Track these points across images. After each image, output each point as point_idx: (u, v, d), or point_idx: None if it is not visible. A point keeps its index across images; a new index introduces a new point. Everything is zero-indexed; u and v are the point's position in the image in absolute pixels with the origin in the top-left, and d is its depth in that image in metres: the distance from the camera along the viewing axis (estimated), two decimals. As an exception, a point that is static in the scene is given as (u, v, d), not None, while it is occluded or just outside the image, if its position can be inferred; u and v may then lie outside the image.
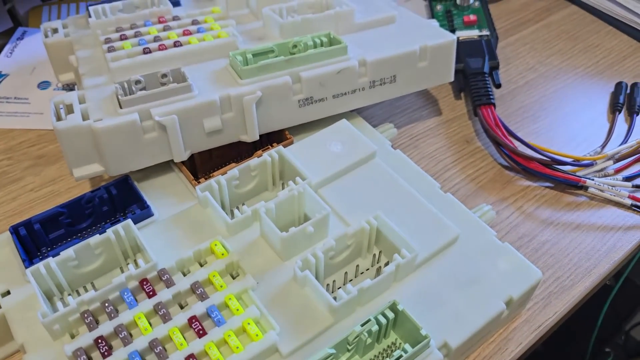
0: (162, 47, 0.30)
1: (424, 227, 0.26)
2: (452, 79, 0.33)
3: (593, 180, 0.32)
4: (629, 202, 0.32)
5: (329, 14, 0.32)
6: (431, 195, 0.28)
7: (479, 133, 0.35)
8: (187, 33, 0.32)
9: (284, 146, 0.29)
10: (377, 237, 0.26)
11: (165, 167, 0.29)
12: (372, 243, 0.26)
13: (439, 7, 0.42)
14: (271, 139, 0.31)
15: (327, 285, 0.25)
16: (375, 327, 0.22)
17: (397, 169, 0.29)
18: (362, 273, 0.26)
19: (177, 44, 0.30)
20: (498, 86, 0.37)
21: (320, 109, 0.30)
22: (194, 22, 0.33)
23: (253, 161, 0.28)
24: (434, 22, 0.36)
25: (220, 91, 0.28)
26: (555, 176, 0.32)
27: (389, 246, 0.26)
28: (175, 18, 0.33)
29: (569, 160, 0.33)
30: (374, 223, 0.25)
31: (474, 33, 0.39)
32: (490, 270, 0.26)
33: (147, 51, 0.30)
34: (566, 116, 0.37)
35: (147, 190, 0.29)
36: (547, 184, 0.33)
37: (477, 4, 0.42)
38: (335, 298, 0.23)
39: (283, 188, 0.28)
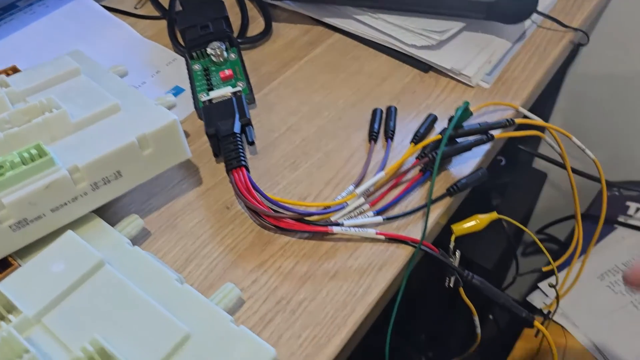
0: None
1: (151, 334, 0.26)
2: (188, 155, 0.33)
3: (341, 225, 0.32)
4: (381, 237, 0.33)
5: (37, 123, 0.30)
6: (166, 293, 0.28)
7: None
8: None
9: (5, 276, 0.28)
10: (105, 358, 0.25)
11: None
12: (101, 367, 0.25)
13: (197, 67, 0.42)
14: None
15: None
16: None
17: (133, 270, 0.29)
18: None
19: None
20: (251, 143, 0.37)
21: (41, 227, 0.29)
22: None
23: (-36, 306, 0.26)
24: (170, 97, 0.36)
25: None
26: (305, 230, 0.32)
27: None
28: None
29: (318, 209, 0.33)
30: (90, 349, 0.24)
31: (227, 91, 0.39)
32: (224, 362, 0.25)
33: None
34: (326, 156, 0.38)
35: None
36: (306, 235, 0.33)
37: (233, 55, 0.42)
38: None
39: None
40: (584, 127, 0.70)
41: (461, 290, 0.37)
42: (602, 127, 0.69)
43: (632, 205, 0.68)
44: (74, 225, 0.30)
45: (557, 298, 0.44)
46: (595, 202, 0.72)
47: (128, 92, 0.35)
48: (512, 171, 0.71)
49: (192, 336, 0.26)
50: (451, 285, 0.36)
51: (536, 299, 0.60)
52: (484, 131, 0.36)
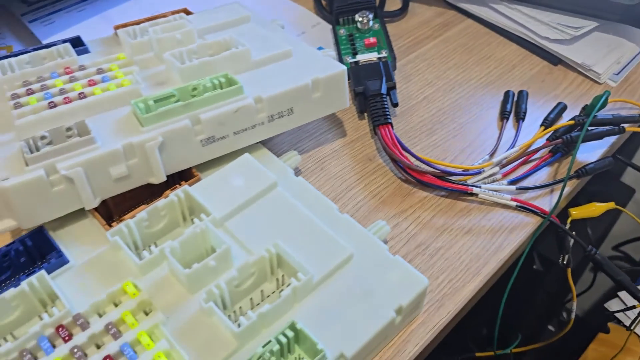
0: (66, 100, 0.32)
1: (320, 249, 0.29)
2: (347, 104, 0.36)
3: (480, 187, 0.35)
4: (513, 204, 0.35)
5: (225, 56, 0.34)
6: (329, 218, 0.31)
7: (380, 150, 0.38)
8: (91, 83, 0.33)
9: (191, 184, 0.32)
10: (279, 262, 0.29)
11: (80, 213, 0.31)
12: (275, 268, 0.29)
13: (342, 32, 0.45)
14: (180, 176, 0.33)
15: (234, 312, 0.28)
16: (276, 347, 0.25)
17: (299, 195, 0.32)
18: (268, 296, 0.29)
19: (81, 96, 0.32)
20: (395, 105, 0.40)
21: (224, 146, 0.33)
22: (99, 71, 0.34)
23: (160, 202, 0.30)
24: (331, 52, 0.39)
25: (123, 140, 0.30)
26: (446, 186, 0.35)
27: (289, 270, 0.28)
28: (81, 67, 0.35)
29: (458, 171, 0.36)
30: (273, 251, 0.28)
31: (373, 56, 0.42)
32: (382, 283, 0.28)
33: (52, 105, 0.31)
34: (460, 127, 0.40)
35: (64, 237, 0.30)
36: (443, 193, 0.36)
37: (377, 26, 0.45)
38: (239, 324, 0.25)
39: (194, 223, 0.30)
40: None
41: (569, 271, 0.39)
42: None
43: None
44: (246, 151, 0.34)
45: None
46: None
47: (294, 42, 0.38)
48: (600, 181, 0.72)
49: (354, 257, 0.29)
50: (564, 262, 0.38)
51: (613, 306, 0.61)
52: (616, 123, 0.38)
